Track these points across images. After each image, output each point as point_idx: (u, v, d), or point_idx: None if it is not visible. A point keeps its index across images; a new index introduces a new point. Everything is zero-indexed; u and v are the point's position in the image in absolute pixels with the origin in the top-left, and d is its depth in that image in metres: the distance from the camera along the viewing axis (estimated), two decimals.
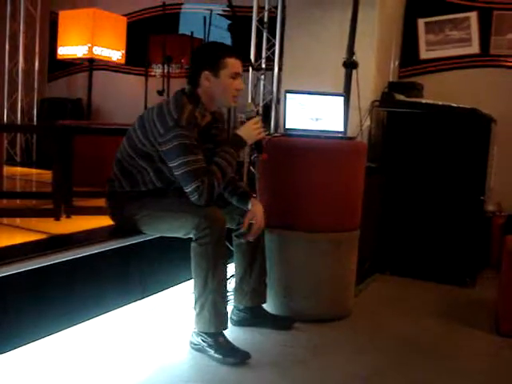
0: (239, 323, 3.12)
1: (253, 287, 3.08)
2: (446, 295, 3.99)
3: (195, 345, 2.77)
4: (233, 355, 2.67)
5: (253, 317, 3.11)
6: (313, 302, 3.26)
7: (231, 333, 2.84)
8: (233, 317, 3.13)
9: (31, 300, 2.39)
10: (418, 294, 3.98)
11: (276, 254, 3.27)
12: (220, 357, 2.66)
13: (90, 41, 6.03)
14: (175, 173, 2.66)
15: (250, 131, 2.83)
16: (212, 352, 2.68)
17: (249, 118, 2.88)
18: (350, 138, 3.57)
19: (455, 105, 4.27)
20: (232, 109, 5.28)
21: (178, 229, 2.73)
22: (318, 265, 3.26)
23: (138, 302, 3.00)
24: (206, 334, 2.70)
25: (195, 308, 2.71)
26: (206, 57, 2.81)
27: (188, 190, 2.64)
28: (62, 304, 2.52)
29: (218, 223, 2.65)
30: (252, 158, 2.99)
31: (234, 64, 2.78)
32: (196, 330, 2.75)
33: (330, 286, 3.30)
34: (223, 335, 2.72)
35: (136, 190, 2.82)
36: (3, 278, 2.23)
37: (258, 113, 2.89)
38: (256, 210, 2.93)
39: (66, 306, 2.54)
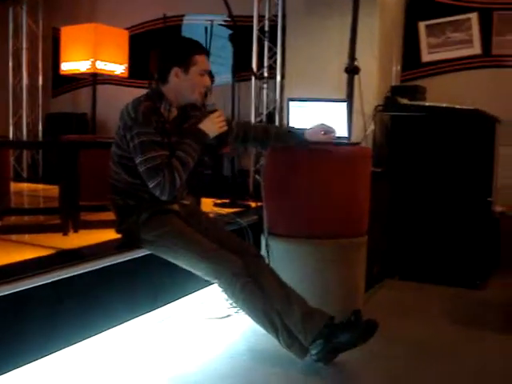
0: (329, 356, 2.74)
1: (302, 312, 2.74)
2: (456, 298, 3.97)
3: (319, 354, 2.66)
4: (354, 326, 2.66)
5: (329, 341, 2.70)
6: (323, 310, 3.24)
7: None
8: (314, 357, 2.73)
9: (42, 315, 2.39)
10: (428, 298, 3.96)
11: (283, 263, 3.26)
12: (352, 335, 2.63)
13: (92, 55, 6.05)
14: (139, 170, 2.69)
15: (212, 124, 2.85)
16: (342, 338, 2.63)
17: (210, 112, 2.90)
18: (355, 144, 3.57)
19: (459, 106, 4.27)
20: None
21: (197, 270, 2.78)
22: (326, 272, 3.25)
23: (149, 313, 3.01)
24: (318, 334, 2.64)
25: (285, 343, 2.68)
26: (175, 54, 2.84)
27: (151, 185, 2.67)
28: (73, 318, 2.52)
29: (236, 268, 2.69)
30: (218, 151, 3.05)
31: (202, 61, 2.83)
32: (310, 347, 2.67)
33: (339, 293, 3.28)
34: (328, 322, 2.68)
35: (139, 202, 2.84)
36: (14, 294, 2.24)
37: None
38: (315, 130, 3.12)
39: (77, 320, 2.54)
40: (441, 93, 4.86)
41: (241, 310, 2.84)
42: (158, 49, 2.97)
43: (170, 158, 2.70)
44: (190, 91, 2.84)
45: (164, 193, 2.67)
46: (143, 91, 2.89)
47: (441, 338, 3.23)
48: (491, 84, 5.01)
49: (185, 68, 2.80)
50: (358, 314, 2.72)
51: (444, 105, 4.33)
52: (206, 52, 2.87)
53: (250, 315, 2.73)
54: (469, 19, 5.10)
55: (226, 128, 2.92)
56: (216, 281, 2.73)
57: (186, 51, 2.82)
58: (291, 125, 3.44)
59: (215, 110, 2.90)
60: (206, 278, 2.77)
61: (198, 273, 2.77)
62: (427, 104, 4.48)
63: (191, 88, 2.84)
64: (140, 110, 2.69)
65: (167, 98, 2.83)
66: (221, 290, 2.76)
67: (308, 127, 3.17)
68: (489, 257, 4.48)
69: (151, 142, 2.67)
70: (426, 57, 5.27)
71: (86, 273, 2.58)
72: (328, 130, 3.16)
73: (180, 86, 2.82)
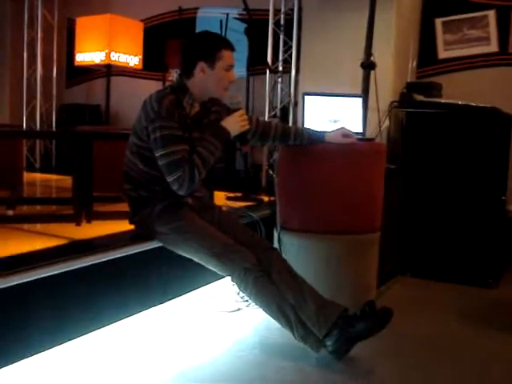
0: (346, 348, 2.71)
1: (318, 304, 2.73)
2: (468, 297, 3.95)
3: (334, 345, 2.65)
4: (369, 315, 2.66)
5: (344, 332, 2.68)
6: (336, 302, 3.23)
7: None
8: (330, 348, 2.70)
9: (54, 305, 2.40)
10: (440, 296, 3.94)
11: (295, 257, 3.24)
12: (367, 323, 2.64)
13: (107, 47, 6.06)
14: (159, 163, 2.69)
15: (235, 123, 2.84)
16: (357, 327, 2.63)
17: (234, 110, 2.89)
18: (369, 139, 3.55)
19: (475, 104, 4.24)
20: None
21: (209, 265, 2.78)
22: (338, 267, 3.24)
23: (159, 306, 3.01)
24: (333, 326, 2.64)
25: (299, 336, 2.68)
26: (202, 48, 2.81)
27: (169, 180, 2.67)
28: (84, 309, 2.53)
29: (248, 262, 2.69)
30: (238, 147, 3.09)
31: (229, 56, 2.82)
32: (325, 339, 2.66)
33: (351, 289, 3.27)
34: (342, 314, 2.68)
35: (152, 194, 2.84)
36: (25, 284, 2.24)
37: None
38: (337, 132, 3.13)
39: (88, 311, 2.55)
40: (457, 90, 4.82)
41: (254, 304, 2.84)
42: (180, 41, 2.95)
43: (191, 154, 2.70)
44: (215, 86, 2.83)
45: (182, 188, 2.67)
46: (157, 83, 2.90)
47: (451, 335, 3.22)
48: (507, 82, 4.96)
49: (211, 63, 2.78)
50: (372, 304, 2.72)
51: (460, 102, 4.30)
52: (232, 47, 2.85)
53: (263, 309, 2.73)
54: (486, 16, 5.05)
55: (247, 127, 2.91)
56: (229, 276, 2.74)
57: (212, 46, 2.80)
58: (306, 120, 3.42)
59: (239, 109, 2.89)
60: (219, 273, 2.77)
61: (211, 267, 2.78)
62: (443, 101, 4.46)
63: (216, 83, 2.82)
64: (164, 103, 2.68)
65: (191, 92, 2.81)
66: (234, 284, 2.76)
67: (329, 130, 3.16)
68: (501, 256, 4.45)
69: (173, 136, 2.66)
70: (443, 53, 5.23)
71: (97, 264, 2.58)
72: (348, 134, 3.15)
73: (205, 80, 2.80)
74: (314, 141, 3.15)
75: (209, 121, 2.91)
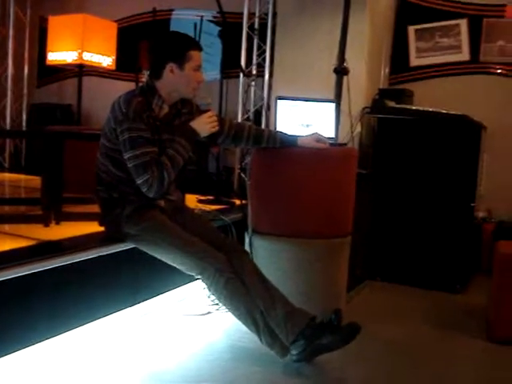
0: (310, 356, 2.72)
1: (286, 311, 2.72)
2: (436, 302, 3.99)
3: (299, 354, 2.66)
4: (336, 328, 2.67)
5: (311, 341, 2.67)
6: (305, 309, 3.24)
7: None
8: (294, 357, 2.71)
9: (20, 307, 2.36)
10: (408, 301, 3.98)
11: (266, 261, 3.24)
12: (334, 337, 2.63)
13: (79, 46, 5.98)
14: (128, 165, 2.68)
15: (204, 124, 2.86)
16: (324, 339, 2.62)
17: (203, 111, 2.90)
18: (341, 145, 3.57)
19: (445, 111, 4.29)
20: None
21: (180, 266, 2.77)
22: (309, 271, 3.25)
23: (129, 308, 2.98)
24: (300, 334, 2.63)
25: (266, 342, 2.68)
26: (171, 49, 2.81)
27: (138, 182, 2.66)
28: (52, 311, 2.50)
29: (220, 264, 2.69)
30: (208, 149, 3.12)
31: (197, 56, 2.83)
32: (291, 347, 2.66)
33: (321, 293, 3.28)
34: (310, 322, 2.68)
35: (123, 195, 2.81)
36: None
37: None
38: (310, 137, 3.14)
39: (56, 313, 2.52)
40: (428, 97, 4.88)
41: (223, 307, 2.83)
42: (149, 42, 2.94)
43: (160, 156, 2.68)
44: (185, 87, 2.83)
45: (151, 190, 2.66)
46: (129, 84, 2.88)
47: (419, 340, 3.26)
48: (478, 90, 5.04)
49: (180, 63, 2.78)
50: (339, 313, 2.73)
51: (430, 109, 4.35)
52: (201, 47, 2.86)
53: (232, 312, 2.72)
54: (458, 25, 5.12)
55: (217, 128, 2.92)
56: (199, 276, 2.72)
57: (181, 47, 2.80)
58: (279, 124, 3.43)
59: (208, 110, 2.90)
60: (190, 273, 2.76)
61: (181, 267, 2.76)
62: (414, 108, 4.50)
63: (186, 83, 2.82)
64: (132, 105, 2.67)
65: (160, 94, 2.80)
66: (204, 285, 2.75)
67: (302, 135, 3.17)
68: (469, 262, 4.51)
69: (141, 137, 2.65)
70: (415, 61, 5.29)
71: (66, 265, 2.55)
72: (321, 139, 3.16)
73: (175, 81, 2.80)
74: (286, 145, 3.16)
75: (180, 122, 2.90)
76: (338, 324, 2.70)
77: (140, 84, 2.86)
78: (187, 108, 2.97)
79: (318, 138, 3.15)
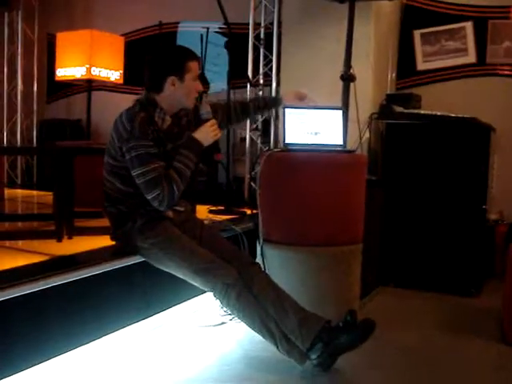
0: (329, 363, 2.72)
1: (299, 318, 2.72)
2: (451, 306, 3.97)
3: (319, 358, 2.66)
4: (352, 326, 2.67)
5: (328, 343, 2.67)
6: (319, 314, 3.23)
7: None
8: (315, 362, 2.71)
9: (36, 322, 2.38)
10: (423, 306, 3.96)
11: (278, 270, 3.25)
12: (351, 336, 2.63)
13: (88, 62, 6.03)
14: (136, 181, 2.70)
15: (206, 133, 2.87)
16: (341, 339, 2.63)
17: (205, 120, 2.92)
18: (350, 151, 3.57)
19: (454, 115, 4.28)
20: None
21: (191, 281, 2.80)
22: (321, 279, 3.25)
23: (142, 321, 2.99)
24: (316, 338, 2.64)
25: (284, 349, 2.69)
26: (170, 62, 2.84)
27: (149, 197, 2.69)
28: (66, 325, 2.51)
29: (230, 277, 2.71)
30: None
31: (195, 67, 2.86)
32: (309, 353, 2.66)
33: (334, 301, 3.27)
34: (325, 325, 2.68)
35: (132, 209, 2.83)
36: (7, 301, 2.22)
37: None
38: (289, 93, 3.43)
39: (70, 328, 2.53)
40: (436, 101, 4.87)
41: (237, 319, 2.83)
42: (149, 58, 2.96)
43: (167, 168, 2.70)
44: (186, 97, 2.87)
45: (162, 204, 2.69)
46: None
47: (434, 345, 3.23)
48: (485, 93, 5.02)
49: (180, 76, 2.81)
50: (354, 313, 2.72)
51: (439, 113, 4.34)
52: (198, 57, 2.91)
53: (247, 324, 2.73)
54: (463, 28, 5.11)
55: (219, 136, 2.94)
56: (211, 291, 2.74)
57: (180, 59, 2.83)
58: (287, 133, 3.42)
59: (209, 119, 2.92)
60: (202, 288, 2.77)
61: (193, 283, 2.78)
62: (422, 112, 4.49)
63: (187, 94, 2.86)
64: (136, 122, 2.68)
65: (161, 106, 2.82)
66: (217, 299, 2.76)
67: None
68: (483, 265, 4.48)
69: (148, 154, 2.67)
70: (421, 65, 5.28)
71: (79, 280, 2.56)
72: (301, 95, 3.37)
73: (176, 93, 2.83)
74: (271, 104, 3.41)
75: (179, 129, 2.93)
76: (353, 323, 2.70)
77: (137, 99, 2.85)
78: (185, 114, 2.99)
79: (297, 95, 3.38)
